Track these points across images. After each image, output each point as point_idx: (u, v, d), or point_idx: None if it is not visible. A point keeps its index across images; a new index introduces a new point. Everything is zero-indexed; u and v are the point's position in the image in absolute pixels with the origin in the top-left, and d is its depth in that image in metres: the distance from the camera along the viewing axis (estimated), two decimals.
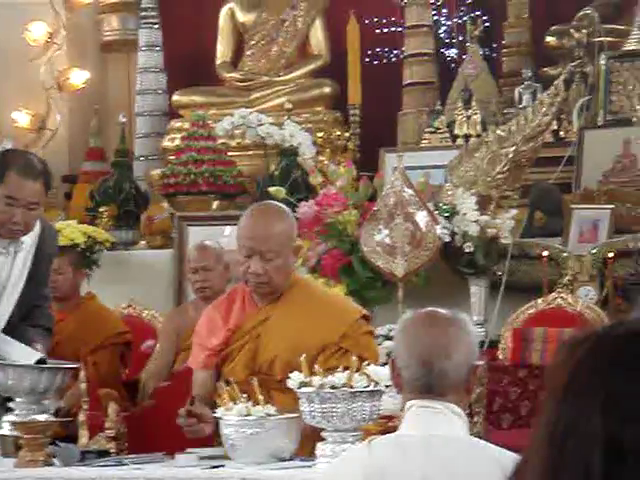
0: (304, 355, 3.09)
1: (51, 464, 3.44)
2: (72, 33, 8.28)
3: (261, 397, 3.25)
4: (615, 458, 0.98)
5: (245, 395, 3.27)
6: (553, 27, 7.45)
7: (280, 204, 3.72)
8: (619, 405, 0.99)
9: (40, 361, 3.63)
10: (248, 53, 8.16)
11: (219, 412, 3.26)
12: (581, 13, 7.06)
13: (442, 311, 2.40)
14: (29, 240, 3.91)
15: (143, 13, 8.04)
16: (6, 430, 3.58)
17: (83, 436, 3.59)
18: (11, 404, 3.56)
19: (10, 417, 3.57)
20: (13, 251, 3.90)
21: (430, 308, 2.41)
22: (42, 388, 3.55)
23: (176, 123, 7.82)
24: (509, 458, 2.17)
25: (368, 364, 3.12)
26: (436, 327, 2.35)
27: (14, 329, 3.88)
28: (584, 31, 6.92)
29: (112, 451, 3.59)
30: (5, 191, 3.78)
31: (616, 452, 0.98)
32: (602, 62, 6.59)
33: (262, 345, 3.49)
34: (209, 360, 3.54)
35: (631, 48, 6.68)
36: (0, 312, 3.90)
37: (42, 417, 3.48)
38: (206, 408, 3.36)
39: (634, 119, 5.89)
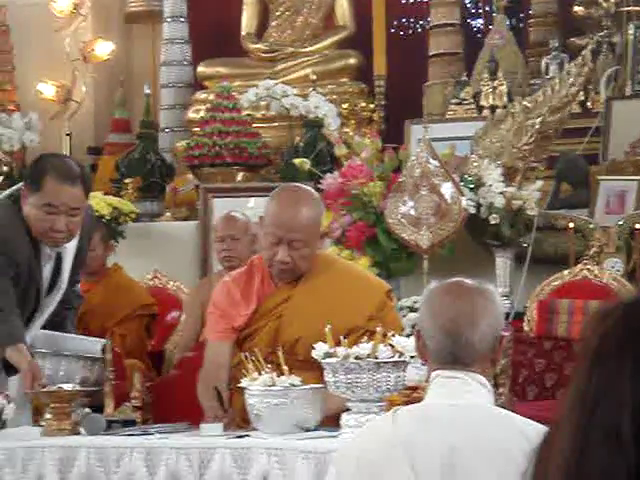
0: (329, 326, 3.09)
1: (77, 433, 3.46)
2: (97, 4, 8.28)
3: (286, 367, 3.25)
4: None
5: (270, 366, 3.27)
6: None
7: (309, 188, 3.62)
8: None
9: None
10: (273, 24, 8.13)
11: (244, 382, 3.27)
12: None
13: (468, 281, 2.38)
14: (72, 242, 3.81)
15: None
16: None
17: (109, 405, 3.61)
18: None
19: None
20: (57, 256, 3.79)
21: (456, 278, 2.40)
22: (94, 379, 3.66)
23: (201, 95, 7.81)
24: (534, 429, 2.16)
25: (393, 335, 3.12)
26: (462, 297, 2.33)
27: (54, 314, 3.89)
28: (612, 0, 6.84)
29: (137, 420, 3.61)
30: (44, 199, 3.61)
31: None
32: (630, 32, 6.51)
33: (284, 325, 3.47)
34: (228, 334, 3.52)
35: None
36: (46, 311, 3.86)
37: (69, 386, 3.50)
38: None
39: None
